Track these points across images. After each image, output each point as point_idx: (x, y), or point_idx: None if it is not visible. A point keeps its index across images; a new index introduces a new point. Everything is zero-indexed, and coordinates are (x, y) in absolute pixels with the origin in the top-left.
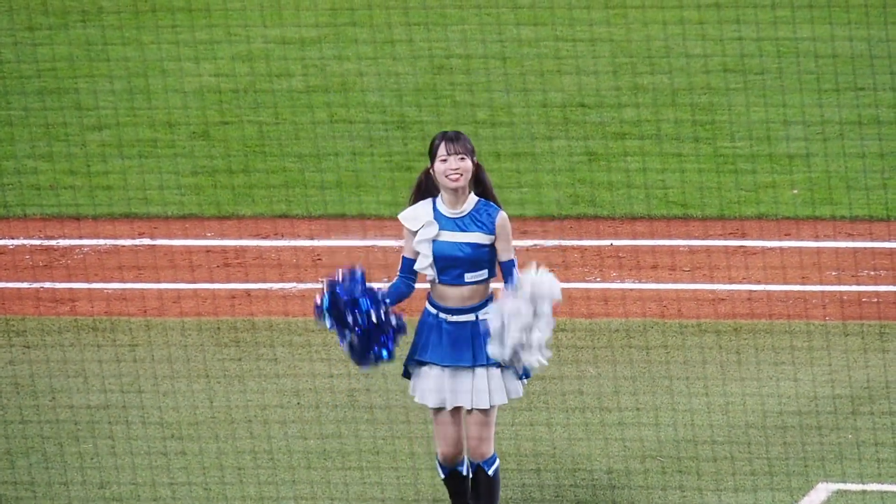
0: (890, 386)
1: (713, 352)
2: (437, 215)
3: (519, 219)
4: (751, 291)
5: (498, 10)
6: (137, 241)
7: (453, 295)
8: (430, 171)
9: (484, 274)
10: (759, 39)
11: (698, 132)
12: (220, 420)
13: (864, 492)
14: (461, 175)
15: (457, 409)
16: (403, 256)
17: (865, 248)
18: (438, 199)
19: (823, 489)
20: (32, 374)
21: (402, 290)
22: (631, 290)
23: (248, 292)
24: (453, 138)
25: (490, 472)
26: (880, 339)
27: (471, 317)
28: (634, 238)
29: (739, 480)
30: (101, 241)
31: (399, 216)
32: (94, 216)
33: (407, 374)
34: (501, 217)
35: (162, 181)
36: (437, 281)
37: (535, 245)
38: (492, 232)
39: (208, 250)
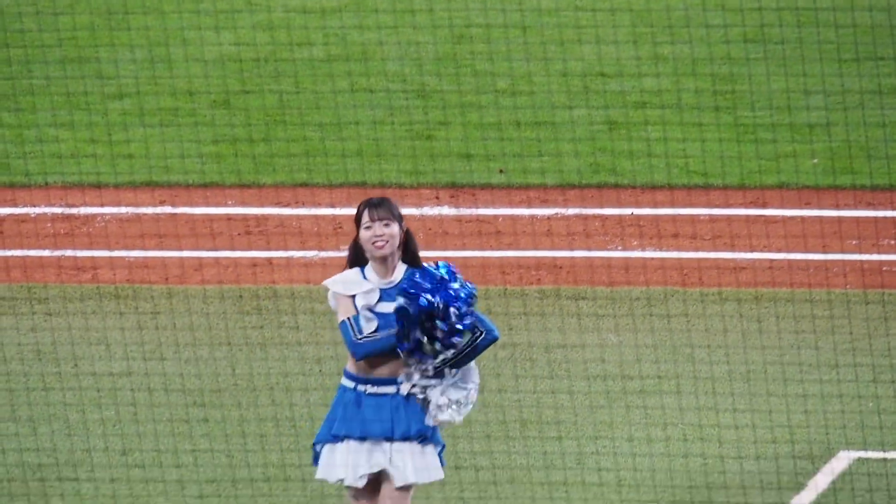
0: None
1: (734, 320)
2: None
3: (540, 188)
4: (771, 260)
5: None
6: (159, 210)
7: (379, 366)
8: (357, 240)
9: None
10: (779, 9)
11: (719, 102)
12: (242, 387)
13: (885, 459)
14: (387, 242)
15: (374, 488)
16: (348, 318)
17: (886, 217)
18: (367, 269)
19: (845, 457)
20: (55, 341)
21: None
22: (652, 258)
23: (269, 260)
24: (377, 205)
25: None
26: None
27: (392, 388)
28: (655, 207)
29: (761, 448)
30: (123, 210)
31: (326, 283)
32: (115, 184)
33: (316, 460)
34: None
35: (183, 150)
36: None
37: (557, 213)
38: None
39: (229, 218)
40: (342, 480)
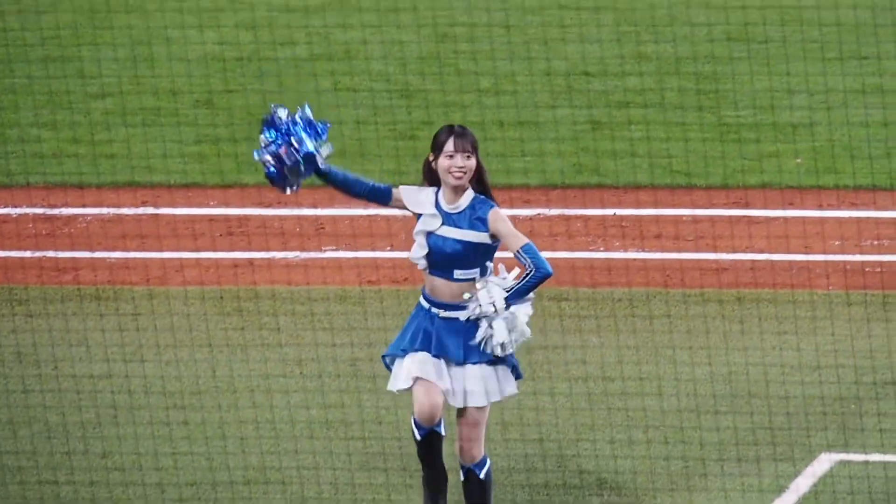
0: (893, 355)
1: (716, 321)
2: (437, 207)
3: (522, 188)
4: (754, 261)
5: None
6: (140, 210)
7: (443, 290)
8: (433, 162)
9: (475, 272)
10: (763, 7)
11: (702, 101)
12: (222, 389)
13: (866, 462)
14: (465, 174)
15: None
16: (394, 187)
17: (869, 218)
18: (440, 192)
19: (826, 459)
20: (35, 343)
21: (361, 182)
22: (634, 259)
23: (251, 261)
24: (462, 134)
25: (482, 475)
26: (883, 309)
27: (461, 313)
28: (638, 207)
29: (742, 450)
30: (105, 210)
31: (402, 188)
32: (97, 185)
33: (388, 367)
34: (493, 213)
35: (165, 149)
36: (427, 272)
37: (539, 214)
38: (485, 230)
39: (211, 219)
40: (416, 378)
